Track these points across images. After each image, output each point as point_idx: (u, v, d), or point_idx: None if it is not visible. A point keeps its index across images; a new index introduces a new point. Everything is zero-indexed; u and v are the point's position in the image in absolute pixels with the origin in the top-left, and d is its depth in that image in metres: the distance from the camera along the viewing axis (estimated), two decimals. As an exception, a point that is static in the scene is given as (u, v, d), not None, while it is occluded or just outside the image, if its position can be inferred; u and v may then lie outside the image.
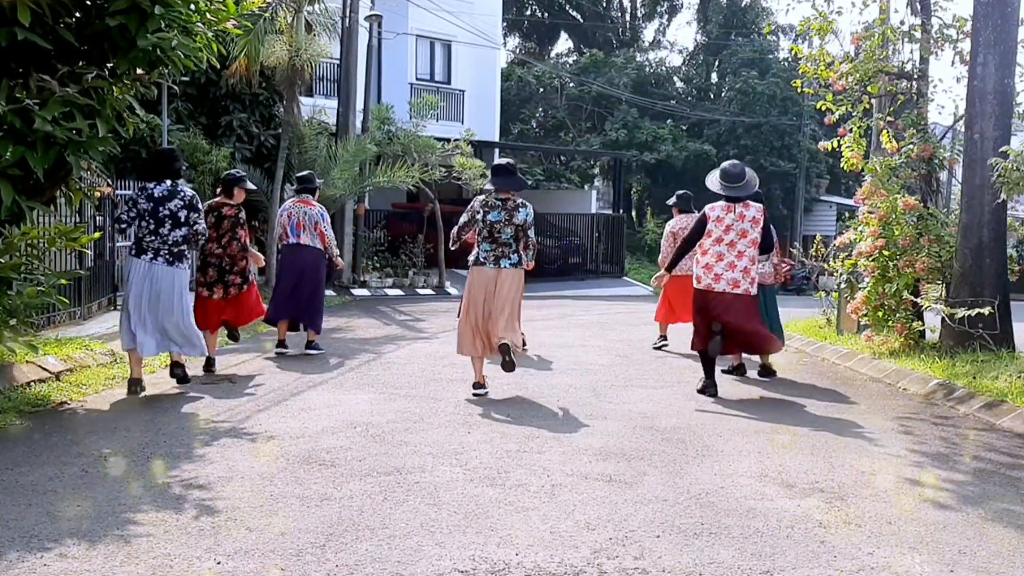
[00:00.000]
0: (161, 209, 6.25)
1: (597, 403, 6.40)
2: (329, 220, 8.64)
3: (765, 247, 6.80)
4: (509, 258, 6.52)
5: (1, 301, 5.85)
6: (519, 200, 6.58)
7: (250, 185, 7.80)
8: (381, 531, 3.60)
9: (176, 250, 6.32)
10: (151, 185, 6.34)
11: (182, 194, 6.35)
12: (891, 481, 4.57)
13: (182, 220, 6.30)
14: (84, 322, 9.38)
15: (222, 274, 7.39)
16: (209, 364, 7.26)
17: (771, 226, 6.92)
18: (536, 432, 5.42)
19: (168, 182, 6.34)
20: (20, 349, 6.29)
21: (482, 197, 6.60)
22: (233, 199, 7.49)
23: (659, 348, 9.34)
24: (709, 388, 6.75)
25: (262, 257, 7.89)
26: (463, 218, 6.61)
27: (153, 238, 6.26)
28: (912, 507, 4.12)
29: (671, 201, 9.51)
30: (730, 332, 6.67)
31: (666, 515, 3.88)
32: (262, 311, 7.96)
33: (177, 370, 6.53)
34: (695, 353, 8.98)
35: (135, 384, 6.34)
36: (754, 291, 6.71)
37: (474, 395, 6.50)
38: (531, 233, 6.59)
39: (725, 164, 6.92)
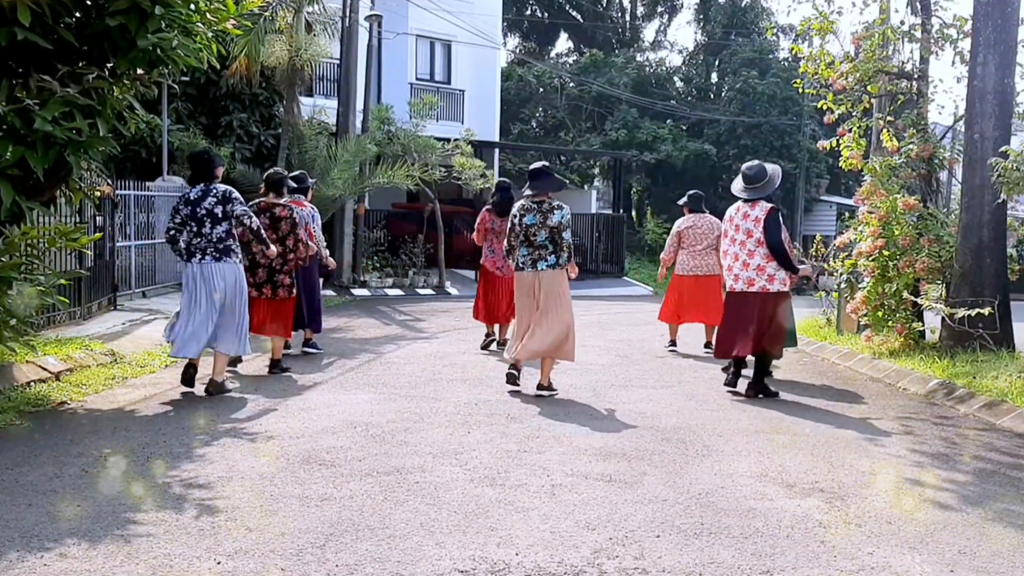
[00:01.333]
0: (198, 210, 6.30)
1: (597, 403, 6.40)
2: (320, 221, 8.61)
3: (770, 245, 6.61)
4: (546, 260, 6.57)
5: (1, 301, 5.85)
6: (555, 203, 6.62)
7: (291, 183, 7.87)
8: (381, 531, 3.60)
9: (222, 246, 6.35)
10: (187, 190, 6.42)
11: (214, 191, 6.37)
12: (891, 481, 4.57)
13: (219, 216, 6.33)
14: (84, 322, 9.38)
15: (272, 274, 7.34)
16: (234, 362, 7.32)
17: (779, 223, 6.79)
18: (536, 432, 5.42)
19: (202, 184, 6.37)
20: (20, 349, 6.29)
21: (521, 202, 6.69)
22: (282, 197, 7.48)
23: (670, 349, 9.31)
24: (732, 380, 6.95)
25: (315, 247, 7.93)
26: (508, 226, 6.79)
27: (199, 239, 6.31)
28: (912, 507, 4.12)
29: (682, 201, 9.52)
30: (752, 330, 6.68)
31: (666, 515, 3.88)
32: (289, 331, 7.63)
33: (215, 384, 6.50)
34: (696, 353, 9.06)
35: (215, 386, 6.40)
36: (773, 288, 6.68)
37: (507, 375, 6.74)
38: (566, 235, 6.60)
39: (745, 166, 6.99)
